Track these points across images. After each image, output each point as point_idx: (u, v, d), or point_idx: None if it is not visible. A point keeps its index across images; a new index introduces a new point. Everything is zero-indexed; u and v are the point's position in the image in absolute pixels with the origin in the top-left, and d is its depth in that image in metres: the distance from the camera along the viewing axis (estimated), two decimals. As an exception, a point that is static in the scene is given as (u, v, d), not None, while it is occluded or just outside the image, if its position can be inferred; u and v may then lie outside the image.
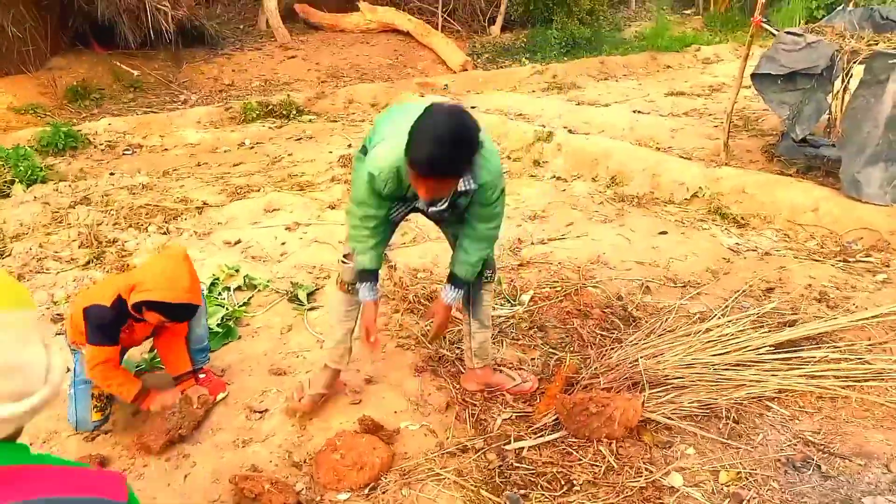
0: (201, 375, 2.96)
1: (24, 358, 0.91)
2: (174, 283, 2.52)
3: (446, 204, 2.37)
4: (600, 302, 3.59)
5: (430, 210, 2.46)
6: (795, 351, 2.97)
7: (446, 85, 9.50)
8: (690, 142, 6.18)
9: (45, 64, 9.12)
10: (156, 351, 3.04)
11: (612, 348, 3.14)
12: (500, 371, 3.01)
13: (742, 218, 4.53)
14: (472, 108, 8.11)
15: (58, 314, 3.67)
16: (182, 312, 2.62)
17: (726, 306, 3.43)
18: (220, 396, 2.94)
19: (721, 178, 4.89)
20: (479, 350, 2.89)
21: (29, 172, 5.59)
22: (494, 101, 8.56)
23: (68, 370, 2.81)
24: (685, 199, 4.94)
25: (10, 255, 4.35)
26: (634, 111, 7.53)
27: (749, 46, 5.10)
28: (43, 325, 1.04)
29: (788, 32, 4.83)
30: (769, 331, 3.11)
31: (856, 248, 4.02)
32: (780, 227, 4.41)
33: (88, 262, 4.28)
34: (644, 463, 2.49)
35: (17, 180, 5.51)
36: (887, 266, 3.86)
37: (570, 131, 6.72)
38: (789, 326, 3.17)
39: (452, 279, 2.57)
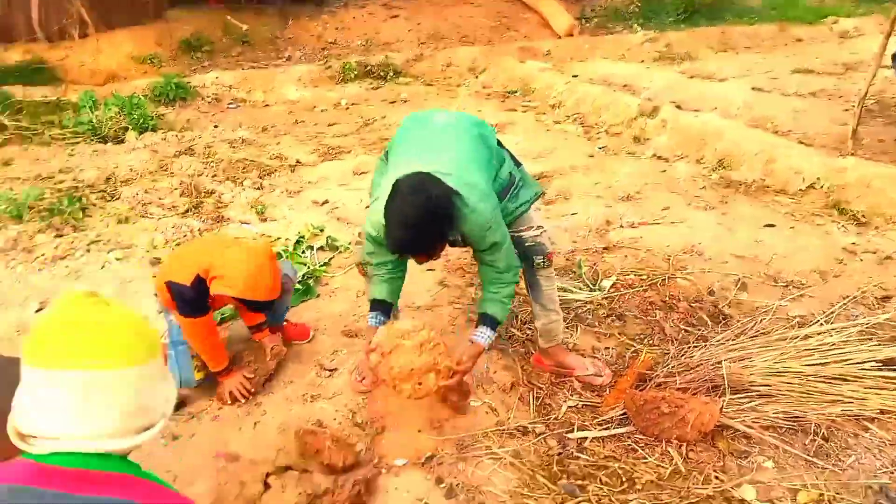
0: (284, 324, 3.05)
1: (153, 400, 1.16)
2: (257, 283, 2.52)
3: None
4: (689, 295, 3.38)
5: None
6: (906, 369, 2.67)
7: (548, 51, 9.19)
8: (814, 126, 5.66)
9: (162, 15, 9.55)
10: None
11: (696, 346, 2.95)
12: (576, 354, 2.89)
13: (864, 215, 4.11)
14: (574, 76, 7.82)
15: (156, 258, 3.86)
16: (261, 306, 2.70)
17: (831, 312, 3.13)
18: (311, 335, 3.13)
19: (845, 169, 4.44)
20: (545, 331, 2.80)
21: (141, 121, 5.90)
22: (599, 69, 8.20)
23: (162, 335, 2.85)
24: (800, 189, 4.54)
25: (119, 198, 4.61)
26: (754, 88, 6.98)
27: (893, 23, 4.56)
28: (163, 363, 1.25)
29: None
30: (879, 344, 2.81)
31: None
32: (908, 229, 3.96)
33: (187, 211, 4.48)
34: (715, 470, 2.33)
35: (130, 128, 5.83)
36: None
37: (678, 107, 6.32)
38: (903, 341, 2.86)
39: (487, 320, 2.46)
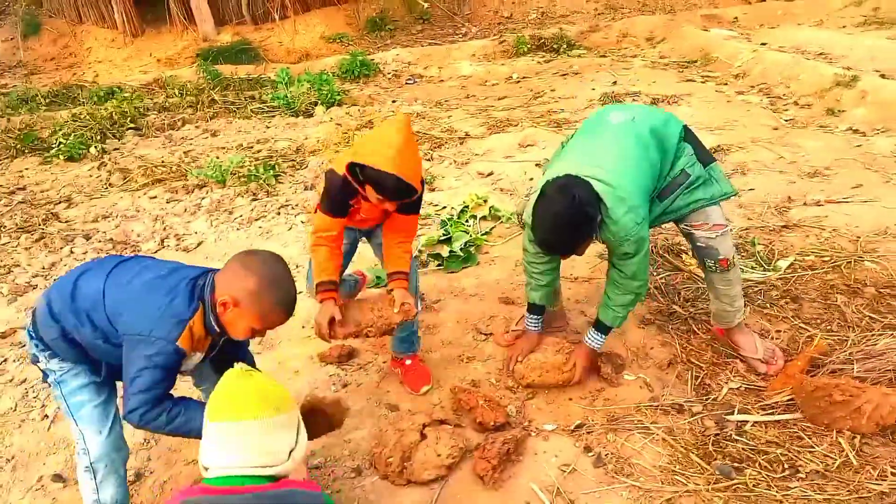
0: (408, 362, 2.80)
1: (276, 446, 1.52)
2: (386, 150, 2.15)
3: None
4: (878, 280, 3.09)
5: None
6: None
7: (735, 18, 8.58)
8: None
9: (353, -4, 10.19)
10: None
11: (881, 334, 2.71)
12: (751, 335, 2.77)
13: None
14: (763, 44, 7.24)
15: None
16: (393, 188, 2.19)
17: None
18: (423, 390, 2.74)
19: None
20: (716, 315, 2.75)
21: (328, 96, 6.41)
22: (792, 36, 7.52)
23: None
24: None
25: (306, 167, 5.09)
26: (985, 54, 6.05)
27: None
28: (297, 417, 1.63)
29: None
30: None
31: None
32: None
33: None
34: (893, 466, 2.16)
35: (319, 102, 6.36)
36: None
37: (882, 76, 5.67)
38: None
39: (598, 325, 2.59)
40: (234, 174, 4.75)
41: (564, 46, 8.22)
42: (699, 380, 2.67)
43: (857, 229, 3.52)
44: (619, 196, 2.26)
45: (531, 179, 4.66)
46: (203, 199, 4.50)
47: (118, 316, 1.84)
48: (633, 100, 6.05)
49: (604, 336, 2.60)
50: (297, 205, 4.42)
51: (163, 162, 5.26)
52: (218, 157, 5.15)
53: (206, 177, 4.68)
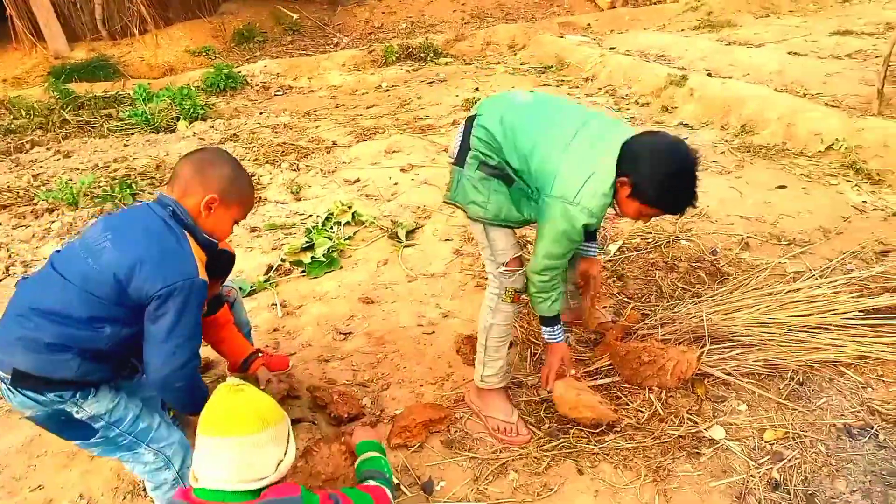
0: (260, 355, 2.61)
1: (264, 460, 1.54)
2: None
3: None
4: (690, 256, 3.50)
5: None
6: (890, 318, 2.74)
7: (588, 24, 9.21)
8: (844, 88, 5.57)
9: (217, 9, 10.05)
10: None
11: (693, 302, 3.09)
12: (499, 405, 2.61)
13: (878, 174, 4.10)
14: (611, 48, 7.85)
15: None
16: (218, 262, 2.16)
17: (827, 267, 3.20)
18: (290, 365, 2.82)
19: (863, 130, 4.42)
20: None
21: (191, 110, 6.34)
22: (638, 41, 8.20)
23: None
24: (819, 151, 4.54)
25: (168, 183, 5.02)
26: (790, 53, 6.86)
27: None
28: (287, 428, 1.64)
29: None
30: (865, 295, 2.89)
31: None
32: (922, 185, 3.94)
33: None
34: (690, 414, 2.50)
35: (181, 117, 6.27)
36: None
37: (709, 74, 6.33)
38: (892, 292, 2.92)
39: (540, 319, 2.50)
40: (88, 195, 4.63)
41: (432, 55, 8.52)
42: (536, 356, 2.94)
43: (678, 212, 3.95)
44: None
45: (395, 184, 4.85)
46: (53, 222, 4.36)
47: (126, 287, 1.71)
48: (492, 104, 6.39)
49: (551, 326, 2.42)
50: (156, 222, 4.37)
51: (8, 187, 5.02)
52: (71, 179, 4.99)
53: (55, 199, 4.53)
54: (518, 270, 2.37)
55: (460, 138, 2.31)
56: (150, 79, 8.06)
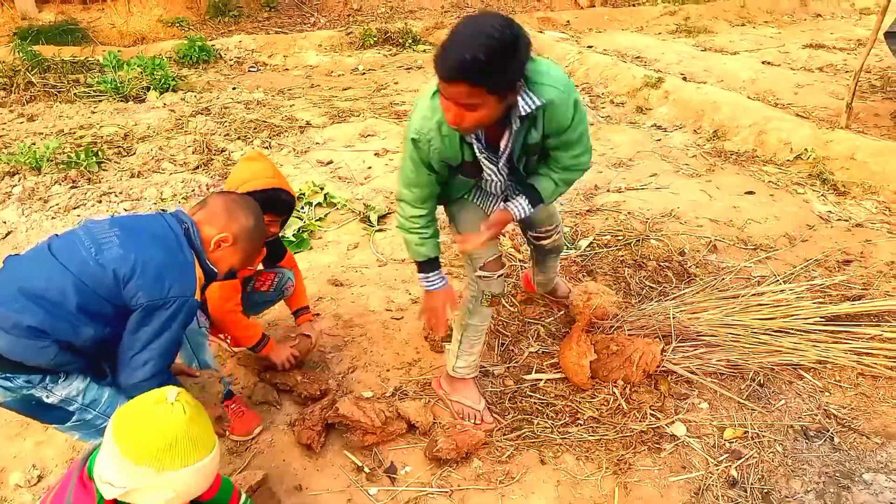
0: (233, 406, 2.47)
1: (206, 484, 1.51)
2: (256, 174, 2.35)
3: (510, 147, 2.01)
4: (659, 255, 3.54)
5: (499, 166, 2.07)
6: (849, 326, 2.82)
7: (568, 21, 9.23)
8: (814, 100, 5.71)
9: (192, -21, 9.76)
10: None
11: (658, 301, 3.13)
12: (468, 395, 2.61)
13: (843, 185, 4.21)
14: (589, 47, 7.89)
15: (162, 210, 4.13)
16: (275, 201, 2.37)
17: (791, 273, 3.28)
18: (255, 431, 2.47)
19: (831, 142, 4.53)
20: (544, 284, 3.04)
21: (162, 81, 6.17)
22: (615, 41, 8.26)
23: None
24: (788, 160, 4.64)
25: (134, 153, 4.89)
26: (763, 62, 7.01)
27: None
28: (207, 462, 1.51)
29: (935, -18, 4.29)
30: (827, 302, 2.96)
31: (964, 230, 3.65)
32: (883, 198, 4.06)
33: (197, 167, 4.74)
34: (653, 410, 2.53)
35: (151, 87, 6.10)
36: None
37: (684, 78, 6.41)
38: (853, 301, 3.00)
39: (527, 190, 2.20)
40: (52, 160, 4.48)
41: (410, 41, 8.44)
42: (504, 347, 2.95)
43: (649, 212, 4.00)
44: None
45: (369, 168, 4.81)
46: (14, 186, 4.21)
47: (122, 287, 1.70)
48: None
49: (532, 207, 2.21)
50: (120, 192, 4.26)
51: (-32, 147, 4.83)
52: (34, 143, 4.82)
53: (17, 163, 4.37)
54: (496, 274, 2.34)
55: None
56: (121, 46, 7.81)
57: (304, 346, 2.79)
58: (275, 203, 2.39)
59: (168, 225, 1.86)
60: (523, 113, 1.87)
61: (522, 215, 2.23)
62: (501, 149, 2.03)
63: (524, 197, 2.21)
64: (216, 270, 1.94)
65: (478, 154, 2.03)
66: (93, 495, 1.48)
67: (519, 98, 1.84)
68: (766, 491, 2.18)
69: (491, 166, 2.08)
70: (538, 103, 1.86)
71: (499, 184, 2.19)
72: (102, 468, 1.45)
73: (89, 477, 1.50)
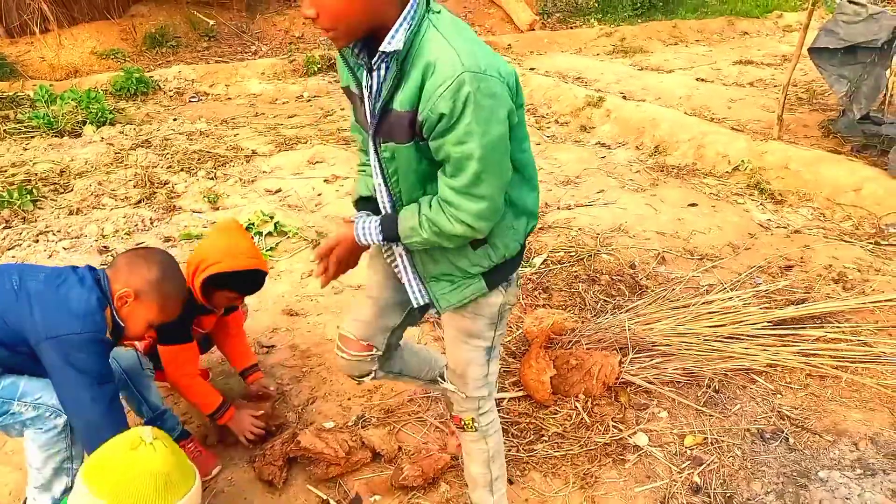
0: (189, 445, 2.35)
1: None
2: (234, 250, 2.23)
3: (374, 92, 1.47)
4: (611, 269, 3.61)
5: (364, 87, 1.51)
6: (795, 329, 2.92)
7: (509, 45, 9.42)
8: (747, 113, 5.96)
9: (127, 10, 9.58)
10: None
11: (613, 314, 3.18)
12: None
13: (780, 194, 4.40)
14: (531, 69, 8.07)
15: (104, 246, 4.00)
16: (251, 281, 2.32)
17: (737, 281, 3.39)
18: (214, 471, 2.36)
19: (766, 153, 4.74)
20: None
21: (99, 114, 5.99)
22: (556, 63, 8.46)
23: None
24: (726, 172, 4.82)
25: (72, 190, 4.72)
26: (697, 79, 7.30)
27: (810, 15, 4.84)
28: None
29: (850, 1, 4.56)
30: (773, 307, 3.07)
31: (893, 232, 3.85)
32: (817, 205, 4.26)
33: (139, 202, 4.61)
34: (615, 422, 2.56)
35: (87, 121, 5.92)
36: (925, 251, 3.69)
37: (623, 97, 6.60)
38: (797, 304, 3.11)
39: (384, 217, 1.62)
40: (-17, 200, 4.29)
41: (354, 67, 8.46)
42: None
43: (598, 227, 4.08)
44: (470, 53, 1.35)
45: (319, 195, 4.76)
46: (-56, 227, 4.01)
47: (25, 321, 1.73)
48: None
49: (380, 235, 1.61)
50: (58, 230, 4.10)
51: None
52: (-37, 183, 4.61)
53: (-55, 204, 4.17)
54: (347, 353, 1.96)
55: None
56: (52, 80, 7.58)
57: (268, 412, 2.59)
58: (253, 284, 2.36)
59: (75, 271, 1.90)
60: (388, 48, 1.37)
61: (364, 240, 1.63)
62: (364, 85, 1.49)
63: (374, 218, 1.64)
64: (123, 326, 1.91)
65: (348, 74, 1.55)
66: None
67: (396, 24, 1.37)
68: (728, 495, 2.22)
69: (360, 106, 1.55)
70: (397, 47, 1.36)
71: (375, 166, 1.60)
72: None
73: None
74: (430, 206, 1.51)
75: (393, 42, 1.37)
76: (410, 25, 1.36)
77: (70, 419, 1.81)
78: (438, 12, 1.40)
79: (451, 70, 1.30)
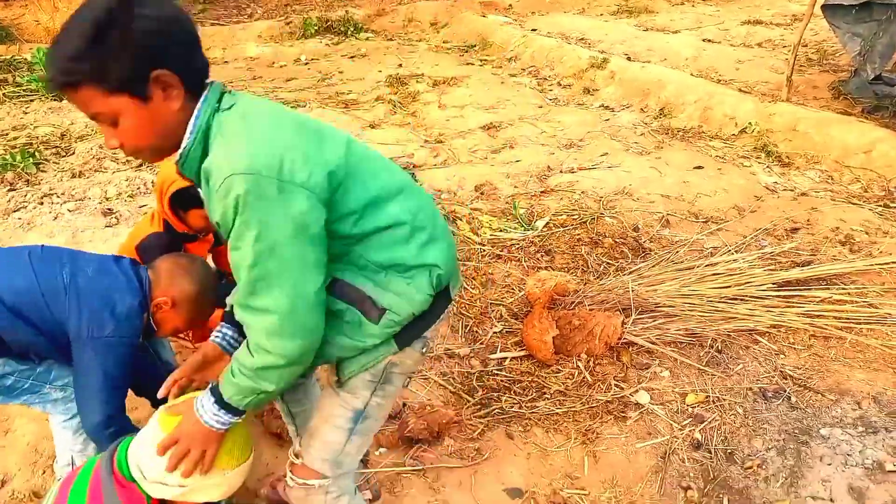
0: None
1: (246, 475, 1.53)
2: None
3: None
4: (614, 232, 3.59)
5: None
6: (800, 290, 2.91)
7: (510, 5, 9.25)
8: (755, 75, 5.86)
9: (123, -26, 9.41)
10: None
11: (616, 276, 3.17)
12: None
13: (787, 156, 4.34)
14: (533, 30, 7.93)
15: (108, 209, 3.98)
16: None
17: (742, 243, 3.37)
18: None
19: (774, 115, 4.66)
20: None
21: (98, 78, 5.92)
22: (558, 23, 8.32)
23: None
24: (733, 134, 4.75)
25: (73, 153, 4.69)
26: (704, 40, 7.15)
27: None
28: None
29: (865, -44, 4.45)
30: (778, 269, 3.05)
31: (901, 193, 3.81)
32: (826, 167, 4.20)
33: (141, 165, 4.58)
34: (617, 381, 2.57)
35: (86, 85, 5.85)
36: (932, 213, 3.66)
37: (628, 58, 6.49)
38: (802, 266, 3.10)
39: (213, 390, 1.39)
40: (-16, 163, 4.26)
41: (352, 29, 8.33)
42: (468, 328, 2.94)
43: (602, 191, 4.05)
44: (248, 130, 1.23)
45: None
46: (-56, 191, 3.99)
47: (72, 316, 1.73)
48: (418, 81, 6.32)
49: (219, 407, 1.36)
50: (62, 193, 4.08)
51: None
52: (-38, 146, 4.57)
53: (-54, 167, 4.15)
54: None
55: None
56: (48, 43, 7.48)
57: None
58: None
59: (122, 268, 1.89)
60: (184, 143, 1.26)
61: (210, 419, 1.38)
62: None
63: (209, 393, 1.39)
64: (153, 328, 1.94)
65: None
66: (139, 496, 1.45)
67: (194, 118, 1.25)
68: (729, 451, 2.23)
69: None
70: (196, 150, 1.26)
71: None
72: (154, 471, 1.42)
73: (126, 479, 1.46)
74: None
75: (184, 142, 1.26)
76: (194, 136, 1.24)
77: (77, 409, 1.84)
78: (229, 108, 1.25)
79: (219, 174, 1.17)
